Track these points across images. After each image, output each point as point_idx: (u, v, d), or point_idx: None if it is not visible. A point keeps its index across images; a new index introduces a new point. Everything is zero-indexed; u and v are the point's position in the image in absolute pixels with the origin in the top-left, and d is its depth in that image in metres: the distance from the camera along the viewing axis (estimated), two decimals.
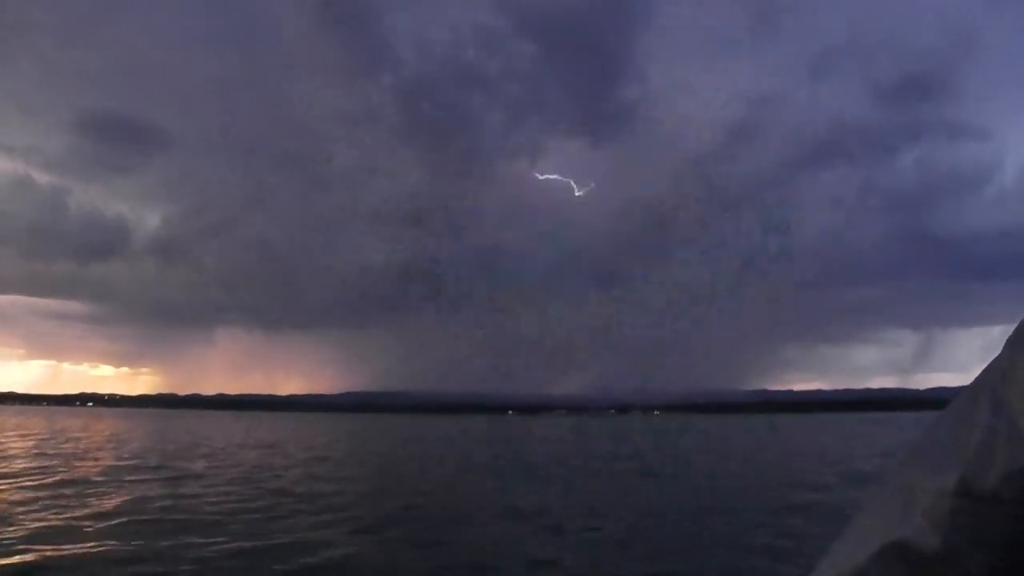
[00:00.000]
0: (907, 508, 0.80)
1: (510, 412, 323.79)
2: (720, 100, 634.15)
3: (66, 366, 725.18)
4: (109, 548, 9.86)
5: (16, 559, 9.09)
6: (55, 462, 23.58)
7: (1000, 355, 0.80)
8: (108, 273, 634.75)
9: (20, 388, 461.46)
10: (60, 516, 12.43)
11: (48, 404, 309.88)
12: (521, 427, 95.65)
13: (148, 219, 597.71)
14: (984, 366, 0.83)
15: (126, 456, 27.88)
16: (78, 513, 12.82)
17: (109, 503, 14.28)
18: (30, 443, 34.72)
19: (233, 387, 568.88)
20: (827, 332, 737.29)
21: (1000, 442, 0.77)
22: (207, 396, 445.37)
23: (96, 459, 25.98)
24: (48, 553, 9.37)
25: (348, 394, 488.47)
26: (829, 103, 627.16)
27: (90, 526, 11.51)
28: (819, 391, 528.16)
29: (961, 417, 0.81)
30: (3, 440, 36.46)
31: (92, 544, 10.08)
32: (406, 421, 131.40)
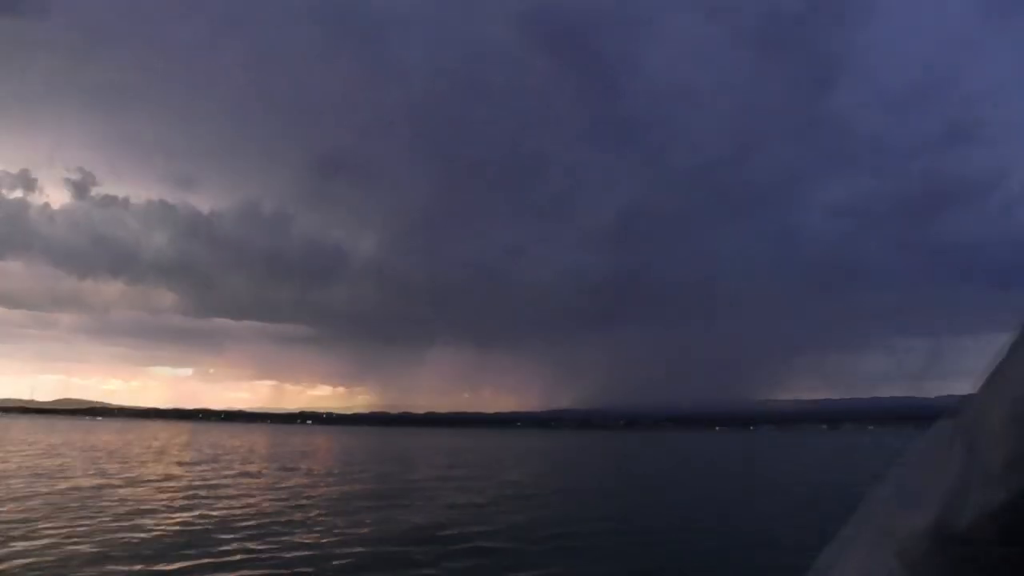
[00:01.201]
0: (881, 549, 0.79)
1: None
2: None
3: (288, 386, 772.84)
4: None
5: None
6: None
7: (974, 397, 0.80)
8: (327, 297, 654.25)
9: (247, 407, 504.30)
10: None
11: (271, 422, 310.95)
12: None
13: (362, 244, 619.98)
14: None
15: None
16: None
17: None
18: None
19: (443, 405, 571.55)
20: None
21: (974, 485, 0.78)
22: (417, 414, 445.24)
23: None
24: None
25: (552, 411, 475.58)
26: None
27: None
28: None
29: (935, 459, 0.80)
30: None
31: None
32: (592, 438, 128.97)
